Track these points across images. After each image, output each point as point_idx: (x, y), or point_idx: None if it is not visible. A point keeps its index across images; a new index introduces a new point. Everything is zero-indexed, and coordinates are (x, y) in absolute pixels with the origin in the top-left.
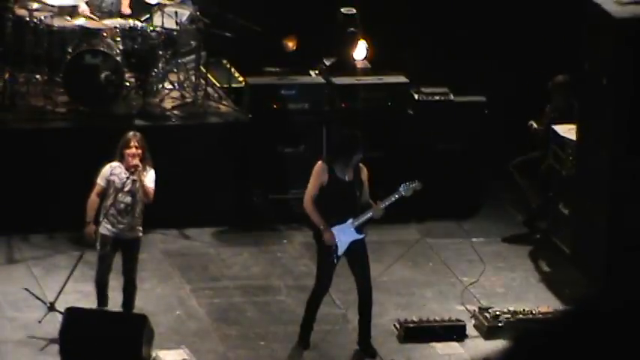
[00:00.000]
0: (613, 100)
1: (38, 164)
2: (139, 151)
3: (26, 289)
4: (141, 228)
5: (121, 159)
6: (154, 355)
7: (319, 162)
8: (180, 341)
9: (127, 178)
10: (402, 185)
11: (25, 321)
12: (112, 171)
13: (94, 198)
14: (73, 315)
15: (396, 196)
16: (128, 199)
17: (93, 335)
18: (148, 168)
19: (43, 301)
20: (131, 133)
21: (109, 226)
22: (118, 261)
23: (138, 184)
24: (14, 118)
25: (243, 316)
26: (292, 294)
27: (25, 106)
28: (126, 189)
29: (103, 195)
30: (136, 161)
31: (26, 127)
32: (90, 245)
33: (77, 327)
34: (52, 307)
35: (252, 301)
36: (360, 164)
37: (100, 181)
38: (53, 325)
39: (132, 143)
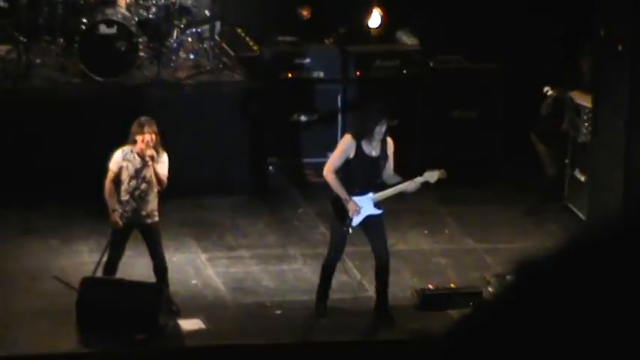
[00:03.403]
0: (628, 67)
1: (53, 135)
2: (153, 137)
3: (56, 278)
4: (157, 213)
5: (134, 143)
6: (171, 323)
7: (348, 134)
8: (197, 310)
9: (141, 165)
10: (426, 172)
11: (42, 291)
12: (125, 156)
13: (109, 185)
14: (89, 284)
15: (422, 181)
16: (143, 185)
17: (110, 304)
18: (160, 151)
19: (75, 289)
20: (144, 119)
21: (125, 213)
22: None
23: (152, 172)
24: (29, 89)
25: (259, 285)
26: (308, 262)
27: (40, 77)
28: (140, 175)
29: (117, 180)
30: (151, 151)
31: (41, 97)
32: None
33: (94, 296)
34: None
35: (268, 270)
36: (388, 138)
37: (113, 167)
38: (71, 295)
39: (145, 129)
